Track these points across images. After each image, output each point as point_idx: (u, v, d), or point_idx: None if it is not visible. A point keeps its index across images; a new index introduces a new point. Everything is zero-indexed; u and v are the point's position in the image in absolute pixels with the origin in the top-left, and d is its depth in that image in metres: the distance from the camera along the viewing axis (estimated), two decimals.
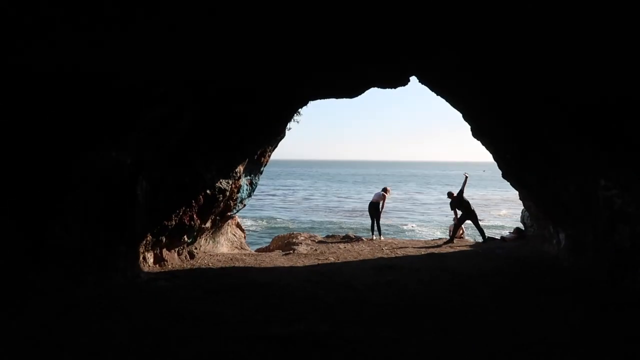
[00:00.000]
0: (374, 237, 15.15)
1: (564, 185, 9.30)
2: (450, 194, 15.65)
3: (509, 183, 13.16)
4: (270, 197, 61.57)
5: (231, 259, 10.62)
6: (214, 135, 8.83)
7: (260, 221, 38.86)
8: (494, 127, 10.24)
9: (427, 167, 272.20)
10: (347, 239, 15.29)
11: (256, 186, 11.32)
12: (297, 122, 12.92)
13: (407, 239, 18.03)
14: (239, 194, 10.35)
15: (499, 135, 10.37)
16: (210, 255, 10.73)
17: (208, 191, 9.18)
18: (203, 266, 9.59)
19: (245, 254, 11.89)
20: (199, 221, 9.45)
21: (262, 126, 9.78)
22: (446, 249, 13.57)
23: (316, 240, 14.78)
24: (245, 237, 14.48)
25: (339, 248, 13.21)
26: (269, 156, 11.07)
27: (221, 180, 9.45)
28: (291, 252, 12.72)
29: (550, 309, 6.97)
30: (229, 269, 9.55)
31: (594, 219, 8.85)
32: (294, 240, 14.63)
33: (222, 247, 11.87)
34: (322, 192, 72.54)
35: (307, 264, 10.67)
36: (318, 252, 12.64)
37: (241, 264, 10.22)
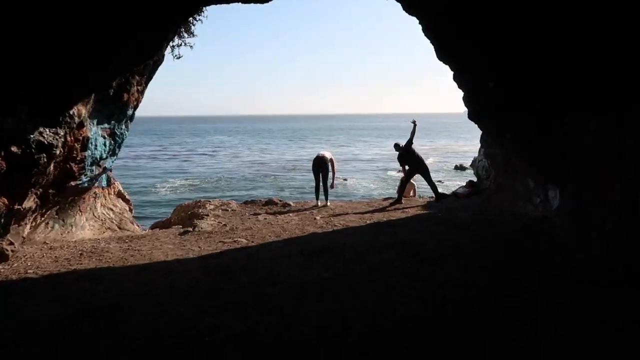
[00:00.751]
0: (319, 203, 11.58)
1: (579, 124, 6.14)
2: (397, 146, 12.44)
3: (475, 125, 10.03)
4: (200, 155, 56.62)
5: (84, 253, 6.69)
6: (17, 51, 4.81)
7: (181, 181, 34.50)
8: (472, 41, 6.80)
9: (381, 119, 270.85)
10: (269, 205, 11.67)
11: (122, 139, 7.28)
12: (191, 46, 8.93)
13: (345, 200, 14.63)
14: (87, 152, 6.36)
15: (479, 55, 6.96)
16: (50, 248, 6.74)
17: (14, 148, 5.16)
18: (16, 275, 5.63)
19: (118, 239, 7.95)
20: (4, 199, 5.45)
21: (117, 43, 5.79)
22: (396, 214, 10.34)
23: (229, 209, 11.03)
24: (131, 210, 10.45)
25: (257, 221, 9.56)
26: (140, 93, 7.05)
27: (42, 130, 5.42)
28: (191, 229, 8.96)
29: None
30: (65, 277, 5.67)
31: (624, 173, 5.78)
32: (200, 210, 10.80)
33: (84, 231, 7.90)
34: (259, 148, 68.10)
35: (204, 253, 6.98)
36: (227, 228, 8.94)
37: (96, 262, 6.34)
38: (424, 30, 7.68)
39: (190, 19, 8.42)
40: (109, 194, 9.57)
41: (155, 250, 7.09)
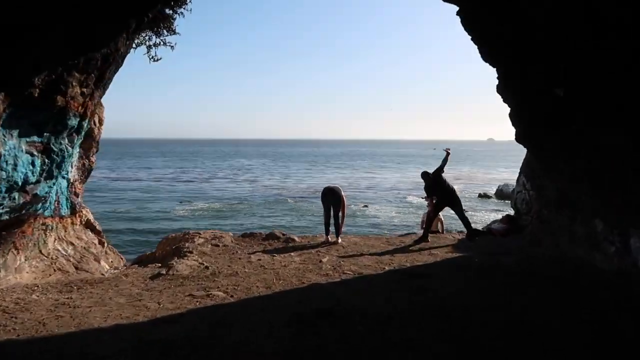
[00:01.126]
0: (329, 238, 9.60)
1: None
2: (425, 175, 10.69)
3: (522, 146, 7.98)
4: (220, 179, 55.28)
5: None
6: None
7: (201, 204, 32.93)
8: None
9: (380, 145, 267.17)
10: (270, 240, 9.69)
11: (64, 157, 5.35)
12: (172, 46, 7.18)
13: (360, 235, 12.53)
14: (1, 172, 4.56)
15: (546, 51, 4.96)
16: None
17: None
18: None
19: (63, 285, 6.08)
20: None
21: (46, 28, 4.06)
22: (422, 257, 8.23)
23: (220, 244, 9.07)
24: (103, 243, 8.57)
25: (249, 263, 7.56)
26: (87, 97, 5.14)
27: None
28: (164, 272, 7.05)
29: None
30: None
31: None
32: (186, 244, 8.89)
33: (20, 274, 6.03)
34: (273, 172, 66.52)
35: (158, 315, 5.00)
36: (209, 272, 6.98)
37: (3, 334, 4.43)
38: (463, 21, 5.74)
39: (169, 11, 6.71)
40: (72, 223, 7.74)
41: (97, 308, 5.15)
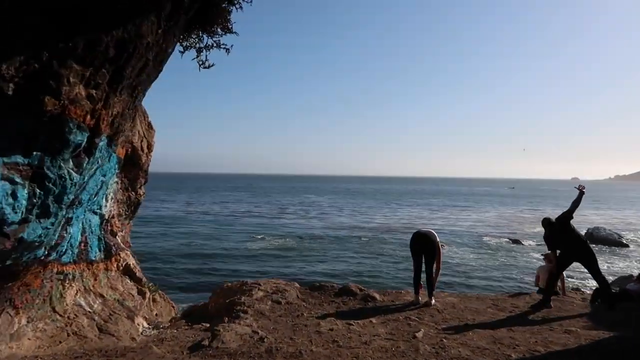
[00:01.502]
0: (420, 299, 7.46)
1: None
2: (547, 222, 8.05)
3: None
4: (288, 214, 54.30)
5: None
6: None
7: (273, 240, 31.69)
8: None
9: (451, 183, 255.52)
10: (344, 296, 7.68)
11: (68, 188, 3.80)
12: (227, 48, 5.63)
13: (455, 293, 10.09)
14: None
15: None
16: None
17: None
18: None
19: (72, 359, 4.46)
20: None
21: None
22: (554, 334, 5.82)
23: (283, 301, 7.19)
24: (145, 294, 6.99)
25: (317, 334, 5.56)
26: (101, 103, 3.53)
27: None
28: (207, 342, 5.24)
29: None
30: None
31: None
32: (242, 299, 7.11)
33: (19, 341, 4.44)
34: (346, 209, 64.58)
35: None
36: (262, 348, 5.04)
37: None
38: None
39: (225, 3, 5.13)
40: (106, 269, 6.21)
41: None
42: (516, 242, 33.85)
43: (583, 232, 38.77)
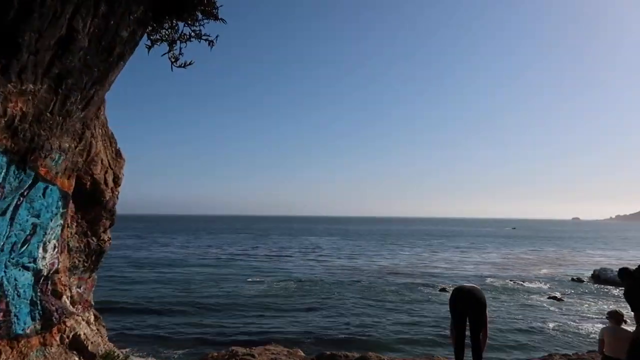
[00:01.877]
0: None
1: None
2: (625, 272, 6.79)
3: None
4: (289, 256, 53.64)
5: None
6: None
7: (274, 283, 31.03)
8: None
9: (452, 223, 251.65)
10: None
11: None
12: (209, 40, 4.59)
13: None
14: None
15: None
16: None
17: None
18: None
19: None
20: None
21: None
22: None
23: None
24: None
25: None
26: (26, 113, 2.89)
27: None
28: None
29: None
30: None
31: None
32: None
33: None
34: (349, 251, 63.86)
35: None
36: None
37: None
38: None
39: None
40: (44, 344, 4.84)
41: None
42: (522, 283, 33.26)
43: (589, 273, 38.21)
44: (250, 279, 33.11)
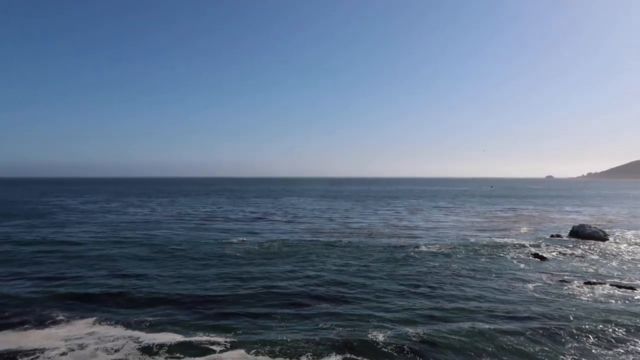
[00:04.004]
0: None
1: None
2: None
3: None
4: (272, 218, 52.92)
5: None
6: None
7: (250, 238, 30.36)
8: None
9: (432, 183, 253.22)
10: None
11: None
12: None
13: None
14: None
15: None
16: None
17: None
18: None
19: None
20: None
21: None
22: None
23: None
24: None
25: None
26: None
27: None
28: None
29: None
30: None
31: None
32: None
33: None
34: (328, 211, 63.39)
35: None
36: None
37: None
38: None
39: None
40: None
41: None
42: (504, 241, 33.26)
43: (567, 229, 38.68)
44: (230, 240, 32.50)
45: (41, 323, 14.79)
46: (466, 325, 14.51)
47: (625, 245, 32.62)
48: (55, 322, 14.89)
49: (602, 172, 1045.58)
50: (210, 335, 13.79)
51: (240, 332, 14.09)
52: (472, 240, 34.08)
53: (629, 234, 38.51)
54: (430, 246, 30.59)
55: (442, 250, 29.22)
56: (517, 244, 32.17)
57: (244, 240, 33.02)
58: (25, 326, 14.58)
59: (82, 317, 15.37)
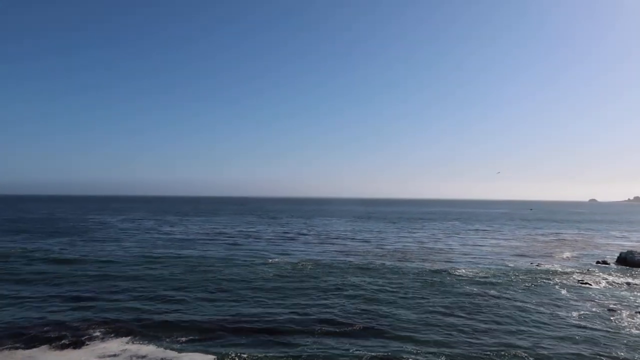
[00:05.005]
0: None
1: None
2: None
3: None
4: (302, 235, 52.88)
5: None
6: None
7: (283, 258, 30.29)
8: None
9: (468, 205, 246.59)
10: None
11: None
12: None
13: None
14: None
15: None
16: None
17: None
18: None
19: None
20: None
21: None
22: None
23: None
24: None
25: None
26: None
27: None
28: None
29: None
30: None
31: None
32: None
33: None
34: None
35: None
36: None
37: None
38: None
39: None
40: None
41: None
42: (545, 267, 31.84)
43: (614, 256, 36.73)
44: (267, 261, 32.53)
45: (78, 341, 15.08)
46: None
47: None
48: (91, 339, 15.17)
49: None
50: (242, 356, 13.66)
51: (271, 354, 13.89)
52: (511, 265, 32.84)
53: None
54: (467, 270, 29.67)
55: (480, 275, 28.24)
56: (560, 270, 30.73)
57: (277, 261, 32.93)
58: (63, 342, 14.89)
59: (116, 336, 15.57)
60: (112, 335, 15.70)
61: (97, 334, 15.72)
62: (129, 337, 15.46)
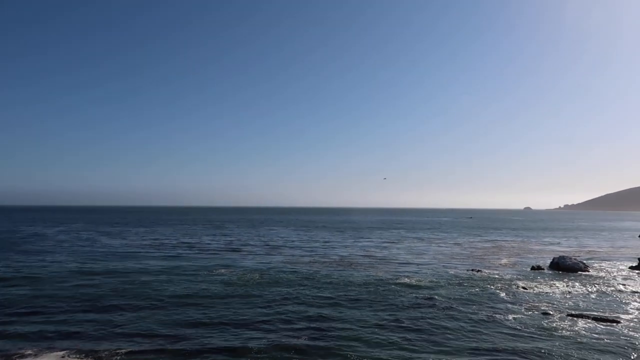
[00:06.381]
0: None
1: None
2: None
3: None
4: (252, 247, 52.10)
5: None
6: None
7: (232, 269, 29.64)
8: None
9: (412, 213, 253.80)
10: None
11: None
12: None
13: None
14: None
15: None
16: None
17: None
18: None
19: None
20: None
21: None
22: None
23: None
24: None
25: None
26: None
27: None
28: None
29: None
30: None
31: None
32: None
33: None
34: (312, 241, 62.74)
35: None
36: None
37: None
38: None
39: None
40: None
41: None
42: (483, 272, 33.11)
43: (547, 261, 38.76)
44: (212, 270, 31.73)
45: (8, 358, 14.24)
46: None
47: (605, 276, 32.84)
48: (23, 357, 14.36)
49: (578, 204, 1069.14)
50: None
51: None
52: (452, 272, 33.87)
53: (609, 266, 38.90)
54: (409, 278, 30.33)
55: (422, 282, 28.93)
56: (497, 276, 32.01)
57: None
58: None
59: (51, 350, 14.91)
60: (47, 350, 15.06)
61: (30, 351, 14.94)
62: (64, 352, 14.85)
